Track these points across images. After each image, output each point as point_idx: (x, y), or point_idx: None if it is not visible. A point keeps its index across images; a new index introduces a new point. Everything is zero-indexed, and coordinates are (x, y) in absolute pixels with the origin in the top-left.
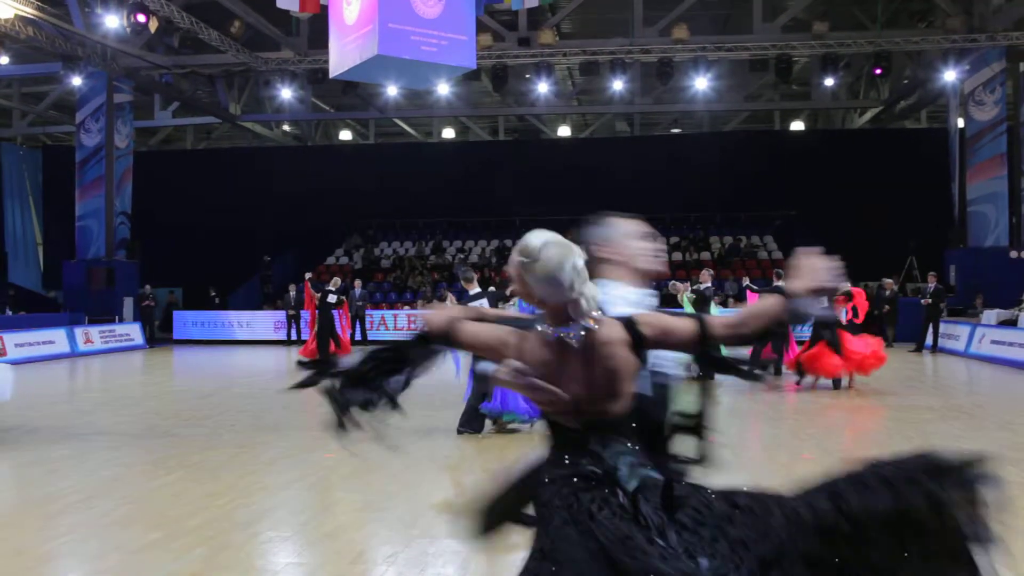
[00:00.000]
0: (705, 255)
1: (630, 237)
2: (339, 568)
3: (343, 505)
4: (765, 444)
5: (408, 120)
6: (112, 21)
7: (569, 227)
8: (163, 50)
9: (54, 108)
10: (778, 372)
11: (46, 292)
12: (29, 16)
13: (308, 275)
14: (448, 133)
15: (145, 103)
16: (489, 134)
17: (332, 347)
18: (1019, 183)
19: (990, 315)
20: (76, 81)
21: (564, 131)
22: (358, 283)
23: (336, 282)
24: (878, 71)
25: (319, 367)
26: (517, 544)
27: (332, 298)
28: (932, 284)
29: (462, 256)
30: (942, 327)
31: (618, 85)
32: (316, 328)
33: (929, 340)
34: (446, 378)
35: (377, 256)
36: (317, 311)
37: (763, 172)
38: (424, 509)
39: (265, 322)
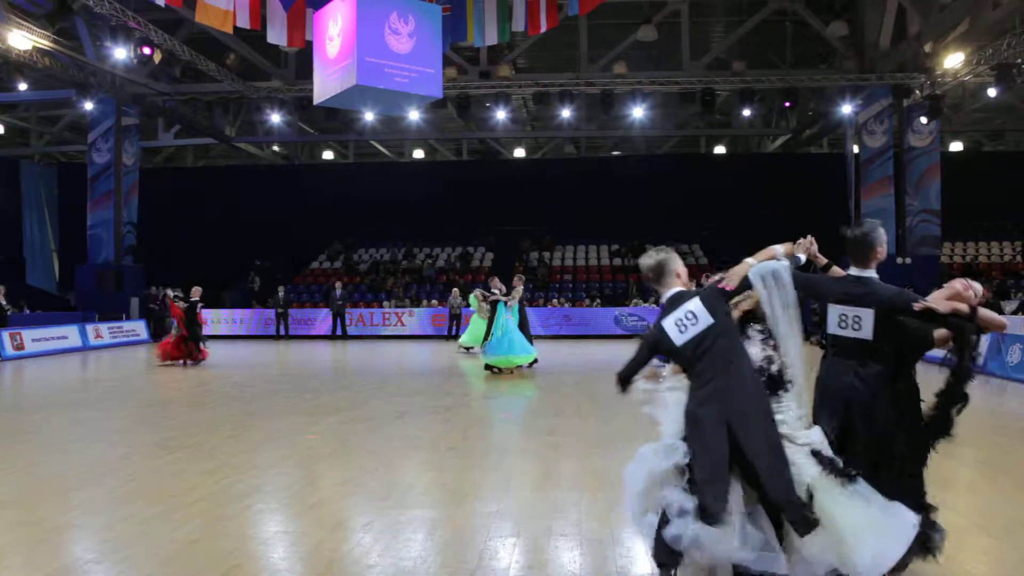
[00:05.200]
0: None
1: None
2: (321, 535)
3: (325, 480)
4: None
5: (383, 142)
6: (121, 53)
7: (523, 236)
8: (166, 79)
9: (68, 130)
10: None
11: (60, 293)
12: (46, 48)
13: (171, 292)
14: (418, 154)
15: (150, 126)
16: (454, 155)
17: (194, 347)
18: (903, 200)
19: None
20: (88, 106)
21: (519, 152)
22: (339, 284)
23: (197, 291)
24: (787, 104)
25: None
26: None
27: (199, 307)
28: None
29: (430, 261)
30: None
31: (566, 113)
32: (188, 332)
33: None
34: (418, 367)
35: (355, 261)
36: (185, 318)
37: (691, 189)
38: (397, 483)
39: (256, 319)
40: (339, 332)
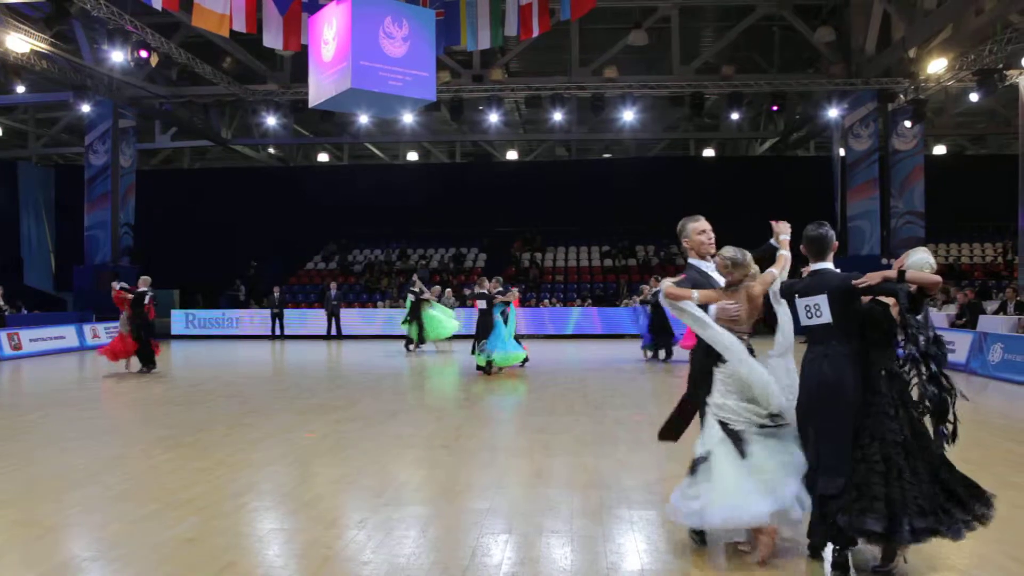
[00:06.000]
0: (631, 262)
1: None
2: (316, 533)
3: (320, 478)
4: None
5: (377, 144)
6: (118, 56)
7: (515, 237)
8: (163, 82)
9: (65, 132)
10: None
11: (57, 294)
12: (43, 51)
13: (117, 284)
14: (412, 156)
15: (147, 128)
16: (447, 157)
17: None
18: (888, 202)
19: None
20: (85, 108)
21: (512, 155)
22: (333, 285)
23: (146, 281)
24: (775, 108)
25: None
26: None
27: (146, 300)
28: None
29: (424, 262)
30: None
31: (558, 116)
32: (132, 328)
33: None
34: (412, 366)
35: (350, 261)
36: (132, 311)
37: (680, 191)
38: (390, 481)
39: (251, 319)
40: (334, 332)
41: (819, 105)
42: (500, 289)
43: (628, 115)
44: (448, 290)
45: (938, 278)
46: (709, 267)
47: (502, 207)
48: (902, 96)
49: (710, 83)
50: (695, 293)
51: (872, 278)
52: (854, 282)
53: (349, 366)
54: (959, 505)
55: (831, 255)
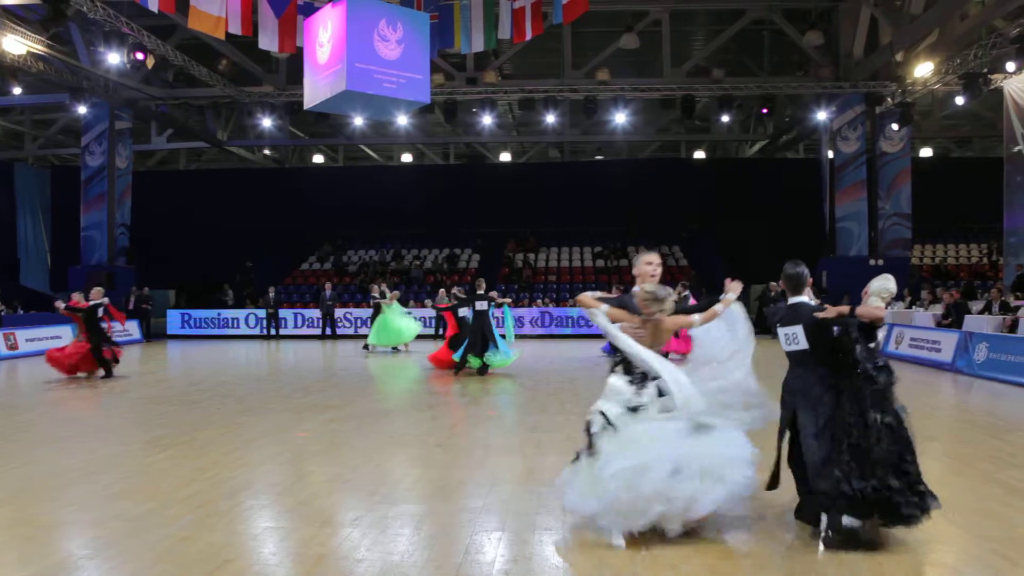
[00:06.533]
0: (623, 262)
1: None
2: (311, 531)
3: (314, 477)
4: None
5: (372, 146)
6: (114, 58)
7: (508, 238)
8: (159, 84)
9: (61, 133)
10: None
11: (53, 294)
12: (40, 53)
13: (63, 304)
14: (406, 157)
15: (143, 129)
16: (441, 159)
17: (108, 353)
18: (876, 204)
19: None
20: (82, 110)
21: (505, 157)
22: (328, 285)
23: (99, 292)
24: (765, 110)
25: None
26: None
27: (100, 311)
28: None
29: (418, 263)
30: None
31: (551, 118)
32: (88, 339)
33: None
34: (406, 366)
35: (345, 262)
36: (86, 324)
37: (671, 193)
38: (384, 479)
39: (247, 319)
40: (328, 332)
41: (808, 108)
42: (456, 293)
43: (620, 117)
44: (442, 290)
45: (881, 312)
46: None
47: (495, 208)
48: (889, 99)
49: (701, 86)
50: (604, 306)
51: (830, 313)
52: (817, 315)
53: (343, 366)
54: (911, 490)
55: (806, 289)
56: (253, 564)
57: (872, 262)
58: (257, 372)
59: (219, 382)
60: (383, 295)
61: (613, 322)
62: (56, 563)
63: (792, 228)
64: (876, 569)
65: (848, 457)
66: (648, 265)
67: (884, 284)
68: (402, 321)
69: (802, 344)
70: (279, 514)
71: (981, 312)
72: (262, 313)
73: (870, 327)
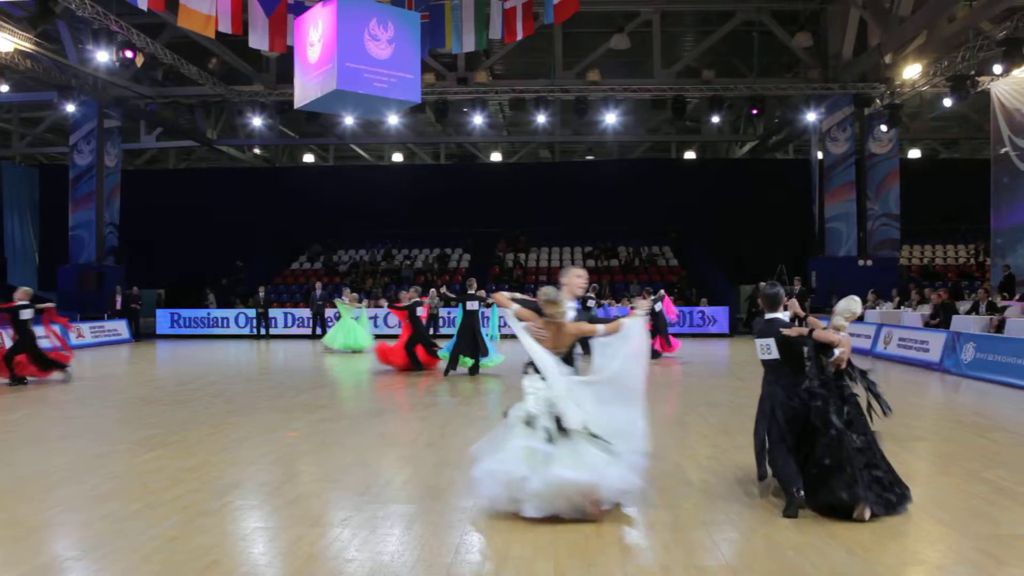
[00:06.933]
0: (614, 262)
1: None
2: (300, 531)
3: (304, 477)
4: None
5: (363, 145)
6: (103, 56)
7: (499, 238)
8: (148, 82)
9: (50, 131)
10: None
11: (42, 293)
12: (28, 50)
13: None
14: (397, 157)
15: (132, 128)
16: (432, 158)
17: (54, 356)
18: (865, 205)
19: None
20: (70, 108)
21: (496, 157)
22: (319, 285)
23: (27, 292)
24: (754, 111)
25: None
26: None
27: (27, 313)
28: (797, 286)
29: (408, 263)
30: None
31: (541, 118)
32: (16, 346)
33: None
34: (394, 369)
35: (335, 262)
36: (14, 328)
37: (662, 193)
38: (374, 479)
39: (237, 319)
40: (319, 331)
41: (797, 109)
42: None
43: (611, 118)
44: (432, 290)
45: (836, 338)
46: (569, 305)
47: (486, 208)
48: (878, 101)
49: (691, 87)
50: (515, 306)
51: (792, 332)
52: (782, 331)
53: (334, 365)
54: (878, 483)
55: (781, 307)
56: (242, 564)
57: (861, 262)
58: (247, 372)
59: (208, 382)
60: (348, 299)
61: (521, 321)
62: (43, 564)
63: (781, 228)
64: (863, 567)
65: (807, 450)
66: (578, 278)
67: (848, 305)
68: (360, 330)
69: (774, 355)
70: (268, 514)
71: (969, 312)
72: (252, 313)
73: (827, 346)
